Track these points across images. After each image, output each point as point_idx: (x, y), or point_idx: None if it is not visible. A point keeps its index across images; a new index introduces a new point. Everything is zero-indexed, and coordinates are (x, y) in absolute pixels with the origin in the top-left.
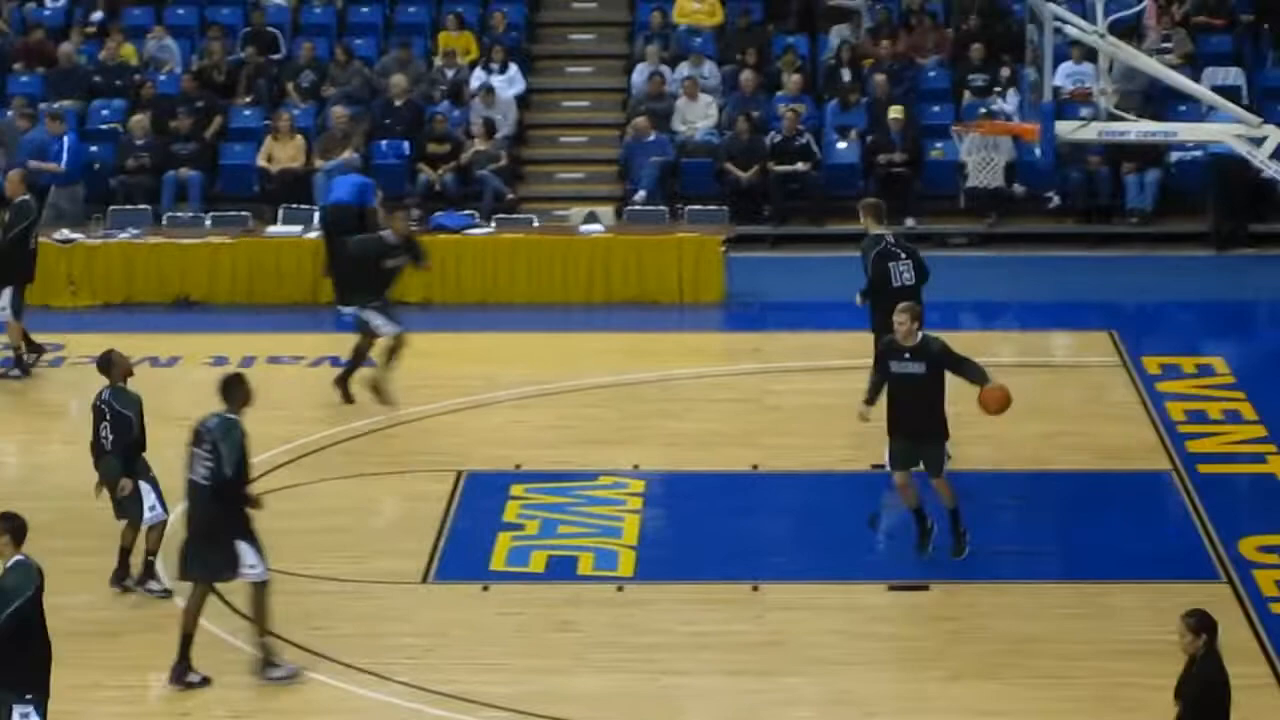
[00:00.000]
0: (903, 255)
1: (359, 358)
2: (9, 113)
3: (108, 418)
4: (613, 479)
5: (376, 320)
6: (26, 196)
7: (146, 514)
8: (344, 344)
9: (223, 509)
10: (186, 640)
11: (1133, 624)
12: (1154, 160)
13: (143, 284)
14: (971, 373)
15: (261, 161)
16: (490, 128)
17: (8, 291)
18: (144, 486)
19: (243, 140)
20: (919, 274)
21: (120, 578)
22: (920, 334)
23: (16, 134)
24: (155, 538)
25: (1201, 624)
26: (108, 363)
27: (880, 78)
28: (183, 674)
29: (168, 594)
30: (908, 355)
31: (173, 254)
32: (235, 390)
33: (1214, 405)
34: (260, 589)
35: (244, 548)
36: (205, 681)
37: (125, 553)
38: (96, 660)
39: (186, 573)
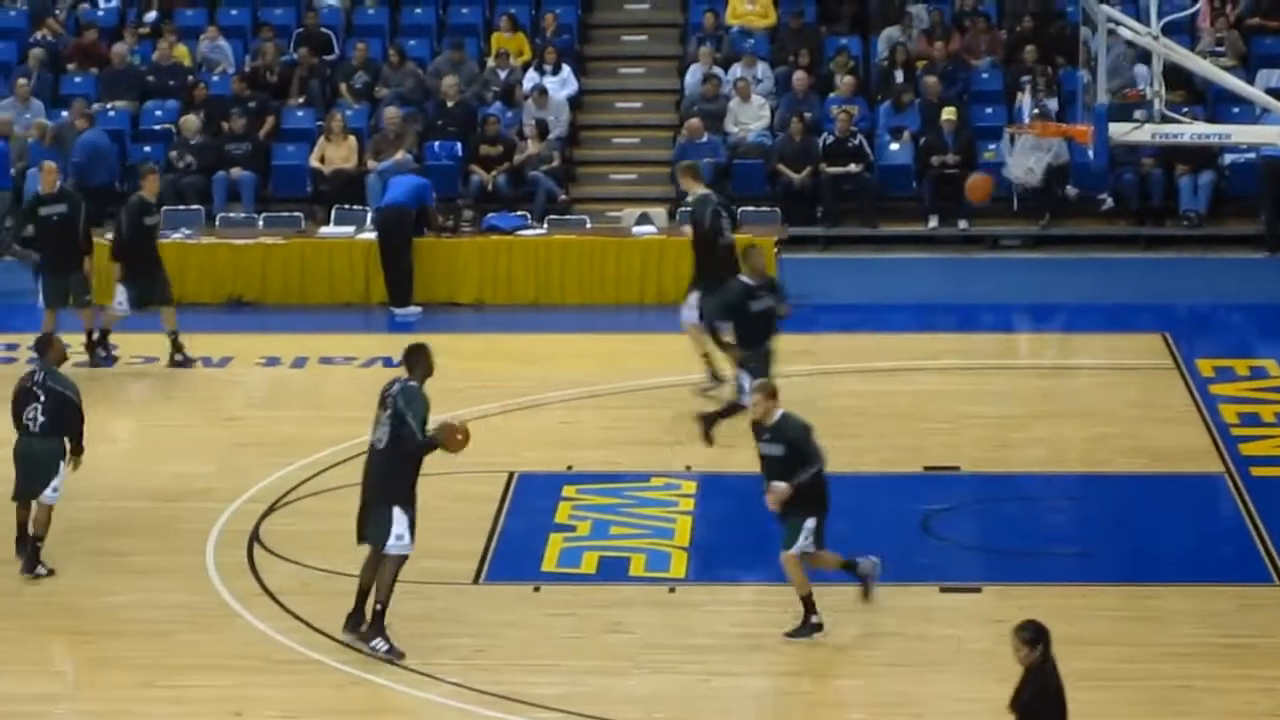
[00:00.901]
0: (725, 214)
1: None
2: (64, 114)
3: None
4: (665, 480)
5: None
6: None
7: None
8: (395, 344)
9: (392, 474)
10: (365, 604)
11: (1185, 627)
12: (1208, 162)
13: (195, 284)
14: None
15: (314, 162)
16: (543, 129)
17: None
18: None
19: (295, 141)
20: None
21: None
22: (780, 413)
23: (73, 134)
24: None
25: (1036, 635)
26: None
27: (932, 79)
28: (374, 638)
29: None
30: (767, 436)
31: (225, 254)
32: (418, 360)
33: (1267, 408)
34: (398, 563)
35: (399, 516)
36: (399, 654)
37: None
38: (147, 660)
39: (363, 537)
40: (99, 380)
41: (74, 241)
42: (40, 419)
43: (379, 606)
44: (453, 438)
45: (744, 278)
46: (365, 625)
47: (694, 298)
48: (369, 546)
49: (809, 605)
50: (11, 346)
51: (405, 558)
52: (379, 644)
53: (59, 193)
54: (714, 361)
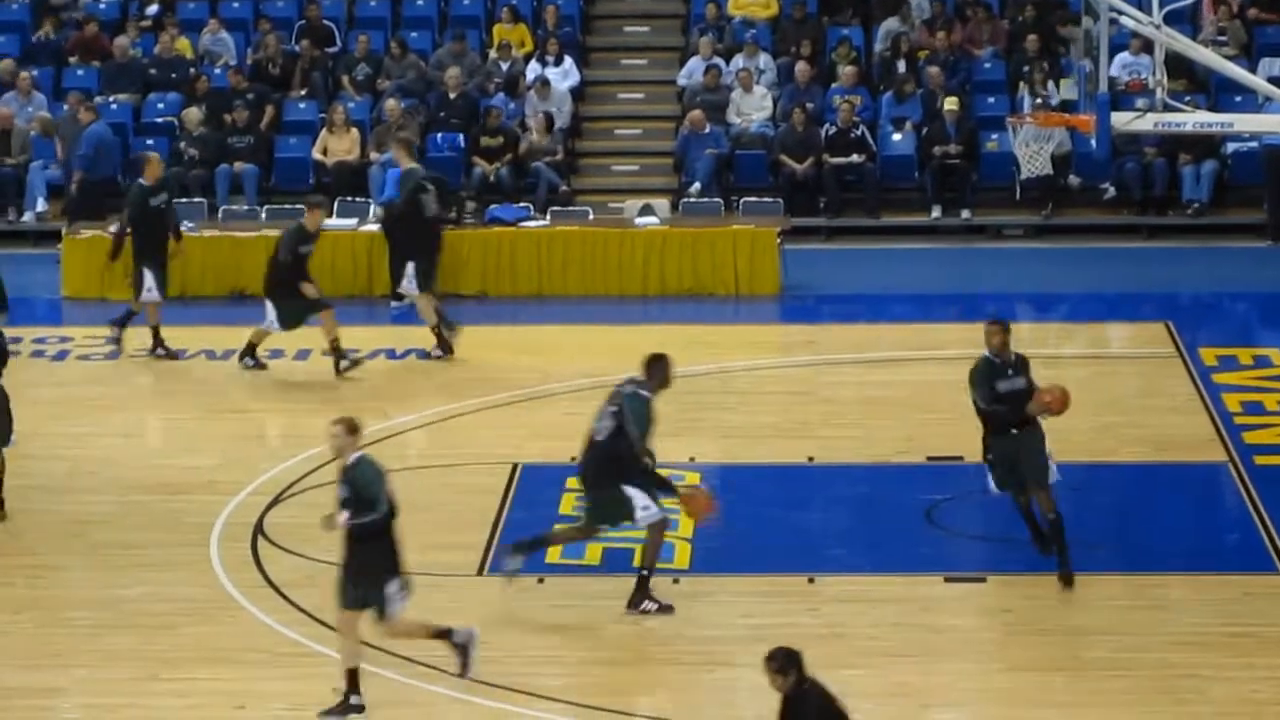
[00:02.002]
0: (431, 188)
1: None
2: (65, 107)
3: None
4: (668, 471)
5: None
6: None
7: None
8: (398, 336)
9: (609, 463)
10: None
11: (1189, 615)
12: (1210, 152)
13: (198, 277)
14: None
15: (317, 154)
16: (549, 122)
17: (410, 265)
18: None
19: (298, 133)
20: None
21: None
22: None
23: (76, 128)
24: None
25: (785, 663)
26: None
27: (934, 69)
28: (640, 602)
29: None
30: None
31: (228, 247)
32: (656, 370)
33: (1270, 396)
34: (657, 528)
35: (633, 492)
36: (667, 609)
37: None
38: (154, 653)
39: (591, 524)
40: (102, 374)
41: (168, 232)
42: None
43: (645, 572)
44: (695, 506)
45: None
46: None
47: (411, 268)
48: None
49: (353, 681)
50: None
51: (665, 520)
52: (648, 605)
53: (162, 182)
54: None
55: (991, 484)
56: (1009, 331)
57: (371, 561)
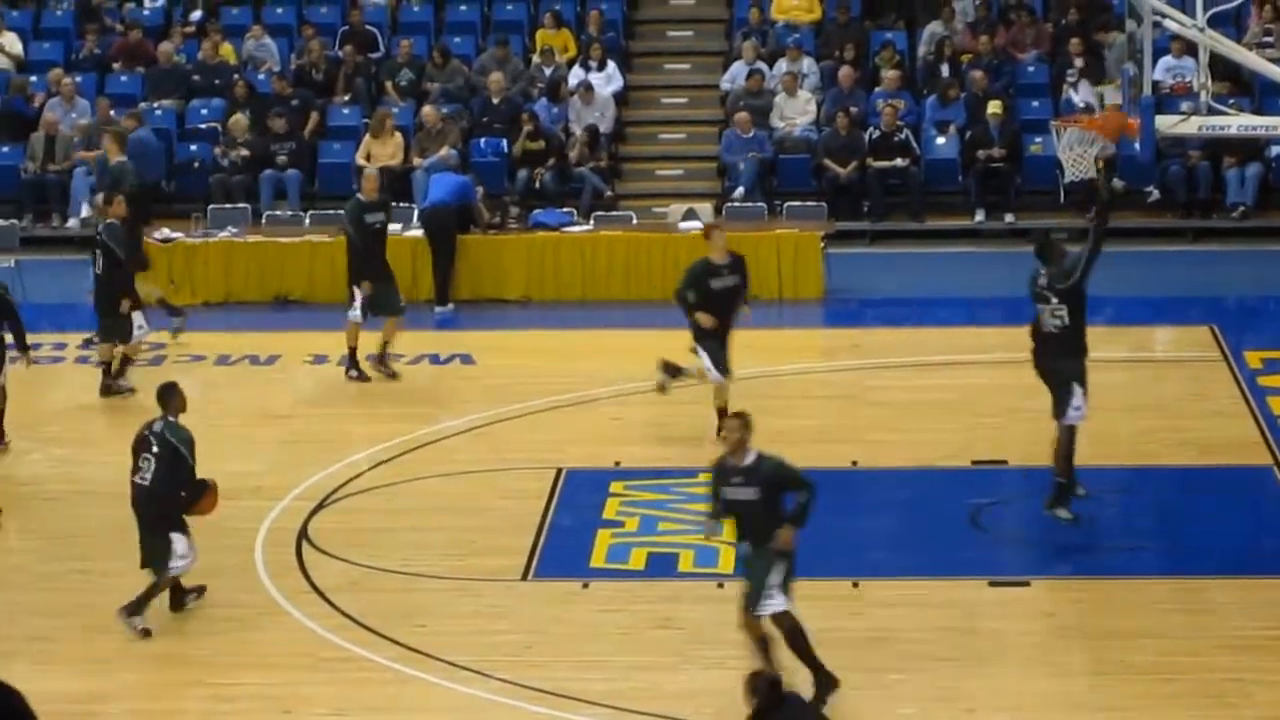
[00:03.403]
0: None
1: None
2: (109, 113)
3: None
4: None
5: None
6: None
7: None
8: (442, 342)
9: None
10: None
11: (1233, 619)
12: (1255, 154)
13: (242, 283)
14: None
15: (360, 160)
16: (594, 131)
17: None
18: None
19: (341, 139)
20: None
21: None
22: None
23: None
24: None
25: (756, 686)
26: None
27: (978, 73)
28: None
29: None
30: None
31: (272, 253)
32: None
33: None
34: (1070, 431)
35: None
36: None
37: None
38: (199, 657)
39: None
40: (148, 380)
41: (384, 251)
42: None
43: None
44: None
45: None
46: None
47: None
48: None
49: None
50: (60, 345)
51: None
52: (1061, 513)
53: (380, 200)
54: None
55: None
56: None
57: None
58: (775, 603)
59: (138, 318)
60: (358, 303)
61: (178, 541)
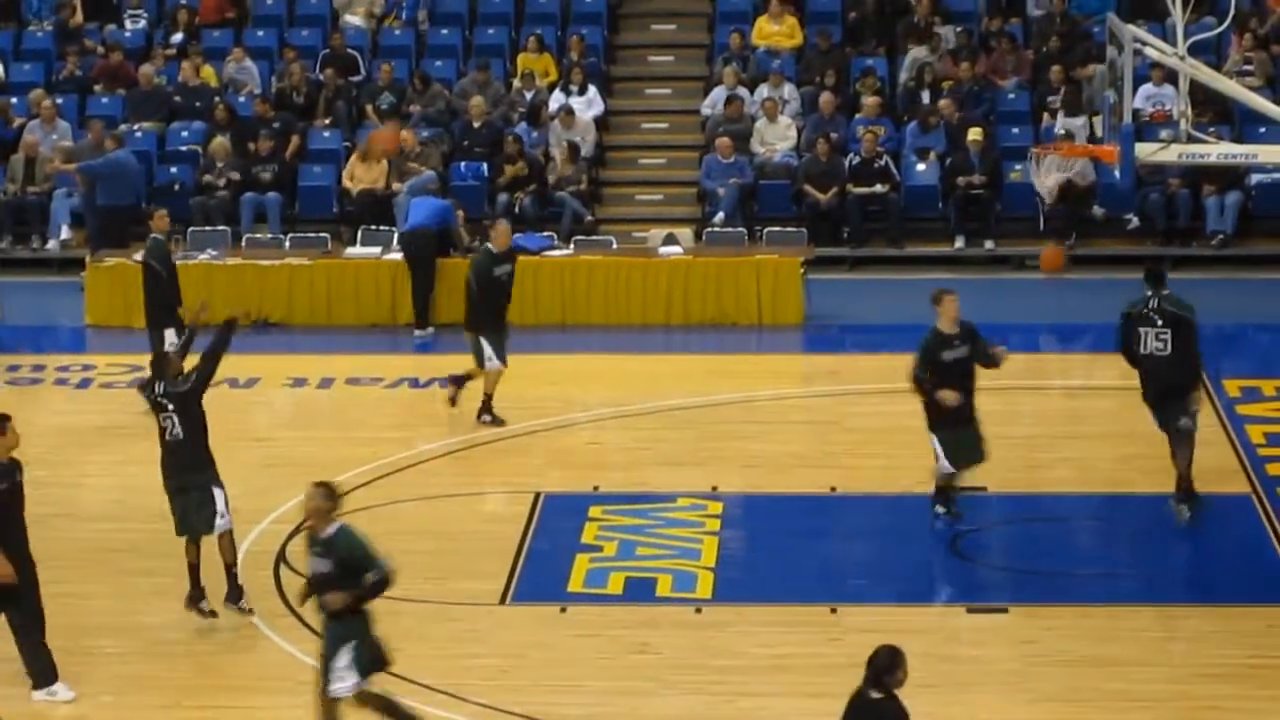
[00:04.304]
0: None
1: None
2: (87, 134)
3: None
4: (691, 500)
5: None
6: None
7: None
8: (421, 365)
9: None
10: None
11: (1212, 647)
12: (1235, 182)
13: (222, 305)
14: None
15: (345, 181)
16: (574, 151)
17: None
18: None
19: (322, 162)
20: None
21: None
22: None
23: (95, 154)
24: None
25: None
26: None
27: (945, 102)
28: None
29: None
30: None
31: (251, 275)
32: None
33: None
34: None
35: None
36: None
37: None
38: (176, 680)
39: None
40: (125, 401)
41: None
42: None
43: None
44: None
45: None
46: None
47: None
48: None
49: None
50: (39, 368)
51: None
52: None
53: (508, 251)
54: None
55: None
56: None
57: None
58: (345, 685)
59: (169, 335)
60: (488, 350)
61: (219, 496)
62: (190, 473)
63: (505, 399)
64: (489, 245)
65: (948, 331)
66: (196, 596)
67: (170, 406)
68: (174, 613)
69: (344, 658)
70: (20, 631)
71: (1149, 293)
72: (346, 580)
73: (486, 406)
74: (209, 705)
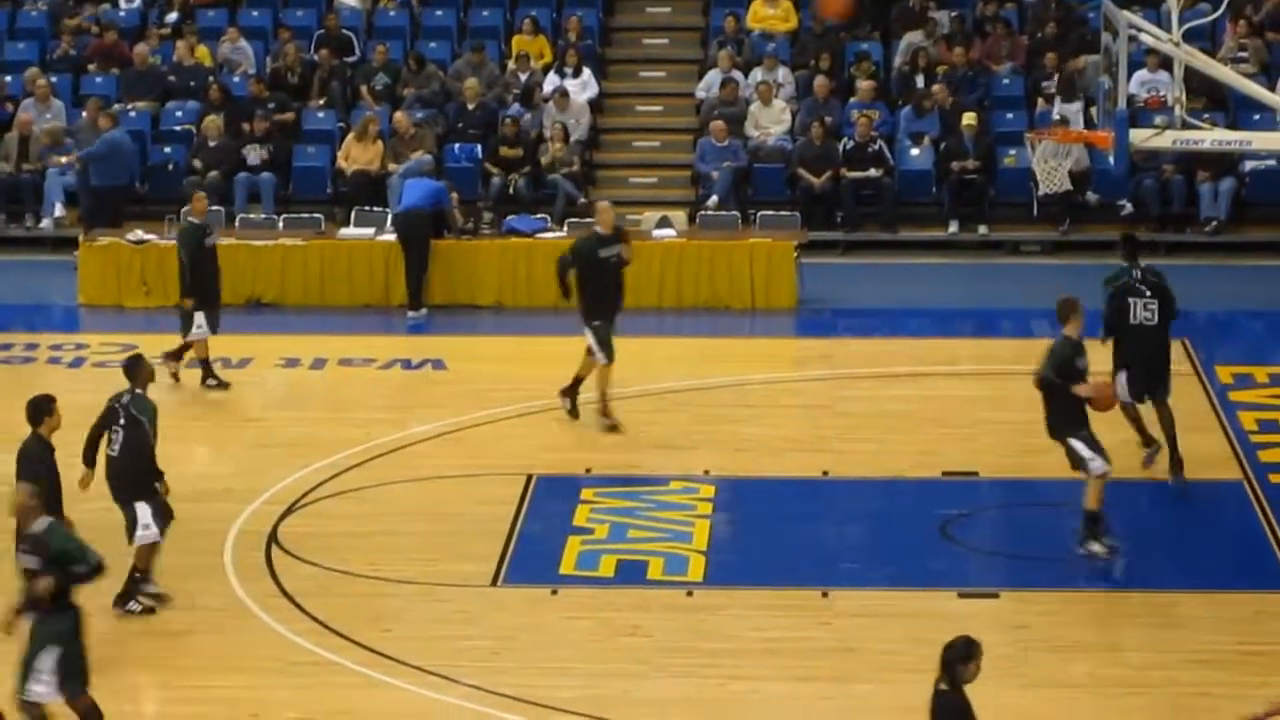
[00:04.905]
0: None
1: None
2: (83, 114)
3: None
4: (683, 484)
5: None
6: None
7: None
8: (414, 347)
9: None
10: None
11: (1204, 634)
12: (1229, 169)
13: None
14: None
15: (340, 161)
16: (567, 133)
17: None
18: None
19: (315, 143)
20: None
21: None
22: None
23: (94, 135)
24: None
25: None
26: None
27: (939, 87)
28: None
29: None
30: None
31: (245, 256)
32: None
33: None
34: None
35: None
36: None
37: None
38: (164, 661)
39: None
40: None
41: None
42: None
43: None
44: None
45: None
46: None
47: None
48: None
49: None
50: (32, 346)
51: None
52: (1096, 547)
53: (615, 233)
54: None
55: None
56: None
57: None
58: (40, 689)
59: (199, 317)
60: (593, 344)
61: (142, 511)
62: (118, 490)
63: (498, 380)
64: (596, 228)
65: (1077, 339)
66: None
67: (123, 422)
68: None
69: (47, 659)
70: None
71: (1128, 265)
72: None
73: (573, 390)
74: (199, 685)
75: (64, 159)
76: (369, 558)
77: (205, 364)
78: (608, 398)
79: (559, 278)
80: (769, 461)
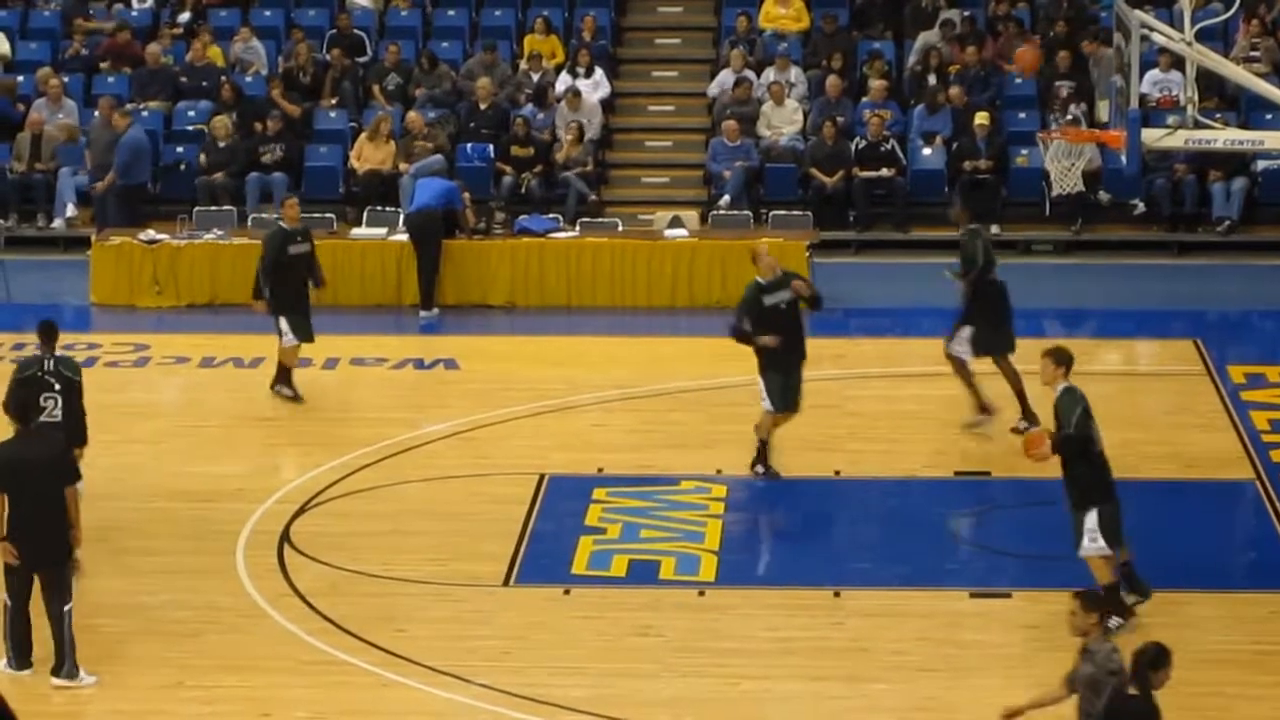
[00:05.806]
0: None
1: None
2: (96, 114)
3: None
4: (695, 483)
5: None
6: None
7: None
8: (426, 347)
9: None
10: None
11: (1215, 634)
12: (1241, 169)
13: (227, 285)
14: None
15: (353, 160)
16: (580, 132)
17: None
18: None
19: (327, 142)
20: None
21: None
22: None
23: (107, 134)
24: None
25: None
26: None
27: (955, 89)
28: None
29: None
30: None
31: (257, 255)
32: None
33: None
34: None
35: None
36: None
37: None
38: (179, 659)
39: None
40: (130, 380)
41: None
42: None
43: None
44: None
45: None
46: None
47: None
48: None
49: None
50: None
51: None
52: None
53: (781, 278)
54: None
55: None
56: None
57: None
58: None
59: (283, 324)
60: (762, 390)
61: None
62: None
63: (511, 379)
64: (758, 278)
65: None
66: None
67: (57, 387)
68: (175, 591)
69: None
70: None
71: None
72: None
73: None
74: (211, 685)
75: (97, 181)
76: (381, 557)
77: (286, 371)
78: (769, 447)
79: (742, 342)
80: (781, 461)
